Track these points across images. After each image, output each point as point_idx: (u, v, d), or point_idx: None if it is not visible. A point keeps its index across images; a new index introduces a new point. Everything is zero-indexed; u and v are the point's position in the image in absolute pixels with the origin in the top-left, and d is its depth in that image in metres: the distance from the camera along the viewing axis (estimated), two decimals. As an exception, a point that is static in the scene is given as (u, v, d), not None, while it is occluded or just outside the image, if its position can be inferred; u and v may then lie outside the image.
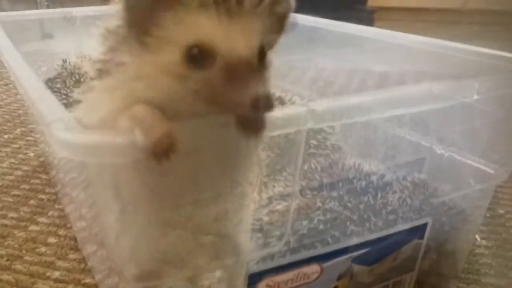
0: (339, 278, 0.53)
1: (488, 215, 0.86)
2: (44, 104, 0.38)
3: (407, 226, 0.55)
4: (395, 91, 0.44)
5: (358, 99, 0.42)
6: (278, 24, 0.41)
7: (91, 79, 0.41)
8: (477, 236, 0.80)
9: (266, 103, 0.33)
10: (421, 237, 0.57)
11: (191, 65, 0.35)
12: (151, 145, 0.32)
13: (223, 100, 0.34)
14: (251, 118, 0.36)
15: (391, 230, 0.54)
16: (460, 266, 0.70)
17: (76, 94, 0.44)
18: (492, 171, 0.63)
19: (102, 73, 0.40)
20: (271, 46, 0.42)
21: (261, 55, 0.37)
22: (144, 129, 0.33)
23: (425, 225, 0.56)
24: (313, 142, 0.68)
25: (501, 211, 0.89)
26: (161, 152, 0.32)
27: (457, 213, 0.61)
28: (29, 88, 0.43)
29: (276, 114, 0.39)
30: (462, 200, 0.62)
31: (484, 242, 0.80)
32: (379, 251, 0.54)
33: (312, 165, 0.60)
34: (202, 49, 0.35)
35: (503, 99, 0.56)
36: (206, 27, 0.35)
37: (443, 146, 0.67)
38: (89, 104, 0.41)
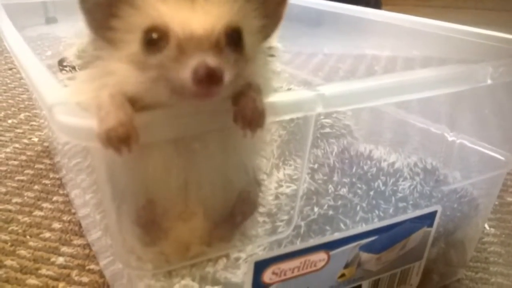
0: (346, 266, 0.52)
1: (496, 203, 0.85)
2: (46, 88, 0.37)
3: (416, 213, 0.54)
4: (406, 75, 0.43)
5: (367, 83, 0.41)
6: (273, 10, 0.39)
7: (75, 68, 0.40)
8: (486, 225, 0.79)
9: (208, 72, 0.30)
10: (430, 225, 0.56)
11: (149, 51, 0.34)
12: (104, 133, 0.31)
13: (169, 82, 0.32)
14: (249, 111, 0.35)
15: (400, 218, 0.53)
16: (469, 255, 0.69)
17: (64, 80, 0.43)
18: (503, 158, 0.62)
19: (84, 63, 0.39)
20: (266, 33, 0.40)
21: (233, 39, 0.35)
22: (100, 117, 0.32)
23: (434, 212, 0.55)
24: (328, 121, 0.67)
25: (510, 199, 0.88)
26: (115, 141, 0.31)
27: (469, 201, 0.60)
28: (31, 72, 0.42)
29: (285, 98, 0.38)
30: (473, 188, 0.61)
31: (492, 231, 0.79)
32: (387, 239, 0.53)
33: (323, 150, 0.59)
34: (158, 32, 0.34)
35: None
36: (161, 9, 0.34)
37: (454, 133, 0.66)
38: (70, 90, 0.40)
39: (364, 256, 0.53)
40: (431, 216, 0.55)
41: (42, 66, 0.43)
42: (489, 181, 0.64)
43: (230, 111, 0.35)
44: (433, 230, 0.56)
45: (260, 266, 0.46)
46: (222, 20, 0.34)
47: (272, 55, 0.41)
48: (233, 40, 0.35)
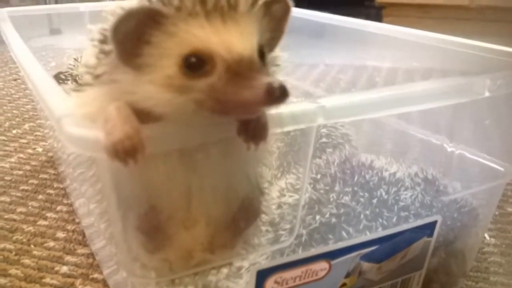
0: (348, 275, 0.53)
1: (497, 213, 0.86)
2: (53, 99, 0.38)
3: (416, 223, 0.55)
4: (405, 88, 0.44)
5: (368, 96, 0.42)
6: (277, 24, 0.41)
7: (82, 83, 0.41)
8: (486, 235, 0.80)
9: (281, 90, 0.32)
10: (431, 235, 0.57)
11: (191, 75, 0.35)
12: (111, 145, 0.32)
13: (232, 102, 0.34)
14: (253, 124, 0.36)
15: (401, 228, 0.54)
16: (469, 265, 0.69)
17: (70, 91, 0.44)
18: (502, 169, 0.63)
19: (94, 80, 0.40)
20: (272, 46, 0.42)
21: (260, 55, 0.37)
22: (107, 129, 0.33)
23: (434, 222, 0.56)
24: (324, 131, 0.68)
25: (510, 209, 0.89)
26: (122, 153, 0.32)
27: (469, 211, 0.61)
28: (38, 83, 0.43)
29: (286, 110, 0.39)
30: (473, 198, 0.62)
31: (493, 241, 0.80)
32: (388, 248, 0.54)
33: (325, 160, 0.60)
34: (200, 57, 0.35)
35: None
36: (200, 34, 0.35)
37: (453, 144, 0.67)
38: (77, 102, 0.41)
39: (365, 265, 0.53)
40: (431, 226, 0.56)
41: (49, 78, 0.44)
42: (489, 192, 0.65)
43: (233, 123, 0.36)
44: (433, 240, 0.57)
45: (262, 275, 0.47)
46: (255, 39, 0.36)
47: (277, 65, 0.43)
48: (261, 57, 0.37)
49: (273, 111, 0.38)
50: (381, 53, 1.00)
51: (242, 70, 0.34)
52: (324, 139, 0.69)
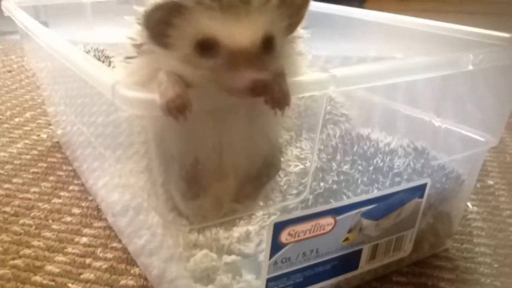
0: (350, 230, 0.59)
1: (478, 185, 0.94)
2: (102, 71, 0.44)
3: (409, 185, 0.61)
4: (406, 60, 0.52)
5: (374, 66, 0.49)
6: (297, 11, 0.47)
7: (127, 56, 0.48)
8: (468, 204, 0.88)
9: (260, 87, 0.39)
10: (421, 196, 0.64)
11: (201, 55, 0.42)
12: (165, 103, 0.38)
13: (225, 85, 0.40)
14: (277, 93, 0.42)
15: (395, 189, 0.61)
16: (455, 228, 0.77)
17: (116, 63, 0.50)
18: (482, 139, 0.70)
19: (138, 51, 0.47)
20: (289, 31, 0.47)
21: (268, 45, 0.43)
22: (161, 90, 0.39)
23: (425, 185, 0.63)
24: (328, 108, 0.75)
25: (491, 182, 0.97)
26: (174, 110, 0.38)
27: (455, 177, 0.68)
28: (81, 60, 0.49)
29: (301, 79, 0.45)
30: (458, 166, 0.69)
31: (475, 209, 0.87)
32: (384, 207, 0.61)
33: (327, 134, 0.66)
34: (208, 42, 0.42)
35: (495, 71, 0.63)
36: (211, 24, 0.41)
37: (440, 119, 0.75)
38: (127, 72, 0.48)
39: (365, 222, 0.60)
40: (422, 188, 0.63)
41: (88, 56, 0.50)
42: (472, 160, 0.72)
43: None
44: (423, 201, 0.64)
45: (278, 227, 0.53)
46: (261, 31, 0.42)
47: (299, 37, 0.49)
48: (267, 45, 0.43)
49: (289, 80, 0.44)
50: (367, 42, 1.05)
51: (239, 60, 0.40)
52: (327, 116, 0.76)
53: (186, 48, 0.43)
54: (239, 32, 0.41)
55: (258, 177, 0.53)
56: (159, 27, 0.43)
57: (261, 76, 0.39)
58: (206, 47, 0.42)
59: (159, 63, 0.44)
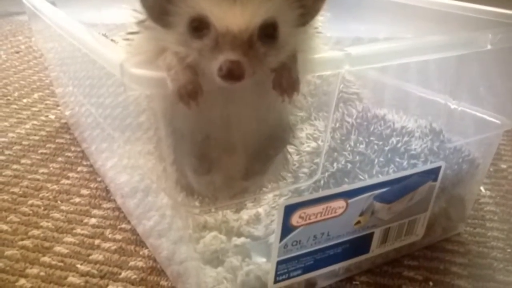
0: (362, 214, 0.58)
1: (491, 169, 0.92)
2: (110, 50, 0.43)
3: (423, 168, 0.60)
4: (420, 40, 0.49)
5: (388, 45, 0.47)
6: (312, 4, 0.44)
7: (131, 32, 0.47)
8: (481, 188, 0.86)
9: (237, 71, 0.37)
10: (435, 179, 0.62)
11: (193, 35, 0.40)
12: (176, 90, 0.38)
13: (207, 69, 0.39)
14: (285, 79, 0.41)
15: (409, 172, 0.59)
16: (468, 211, 0.75)
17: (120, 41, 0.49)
18: (498, 121, 0.69)
19: (141, 26, 0.45)
20: (305, 20, 0.44)
21: (269, 33, 0.40)
22: (171, 75, 0.38)
23: (439, 168, 0.61)
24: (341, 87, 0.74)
25: (504, 166, 0.95)
26: (186, 95, 0.38)
27: (471, 160, 0.66)
28: (90, 39, 0.48)
29: (316, 57, 0.44)
30: (473, 148, 0.68)
31: (488, 193, 0.86)
32: (397, 190, 0.60)
33: (342, 113, 0.65)
34: (200, 22, 0.40)
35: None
36: (205, 5, 0.39)
37: (456, 101, 0.73)
38: (132, 49, 0.46)
39: (377, 205, 0.59)
40: (436, 171, 0.62)
41: (97, 35, 0.49)
42: (487, 143, 0.71)
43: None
44: (437, 184, 0.63)
45: (289, 210, 0.52)
46: (258, 17, 0.39)
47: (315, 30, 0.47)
48: (267, 33, 0.41)
49: (303, 58, 0.43)
50: (378, 24, 1.02)
51: (225, 44, 0.38)
52: (340, 94, 0.75)
53: (180, 27, 0.41)
54: (232, 15, 0.38)
55: (265, 150, 0.52)
56: (158, 5, 0.41)
57: (234, 57, 0.37)
58: (198, 27, 0.40)
59: (161, 41, 0.43)
